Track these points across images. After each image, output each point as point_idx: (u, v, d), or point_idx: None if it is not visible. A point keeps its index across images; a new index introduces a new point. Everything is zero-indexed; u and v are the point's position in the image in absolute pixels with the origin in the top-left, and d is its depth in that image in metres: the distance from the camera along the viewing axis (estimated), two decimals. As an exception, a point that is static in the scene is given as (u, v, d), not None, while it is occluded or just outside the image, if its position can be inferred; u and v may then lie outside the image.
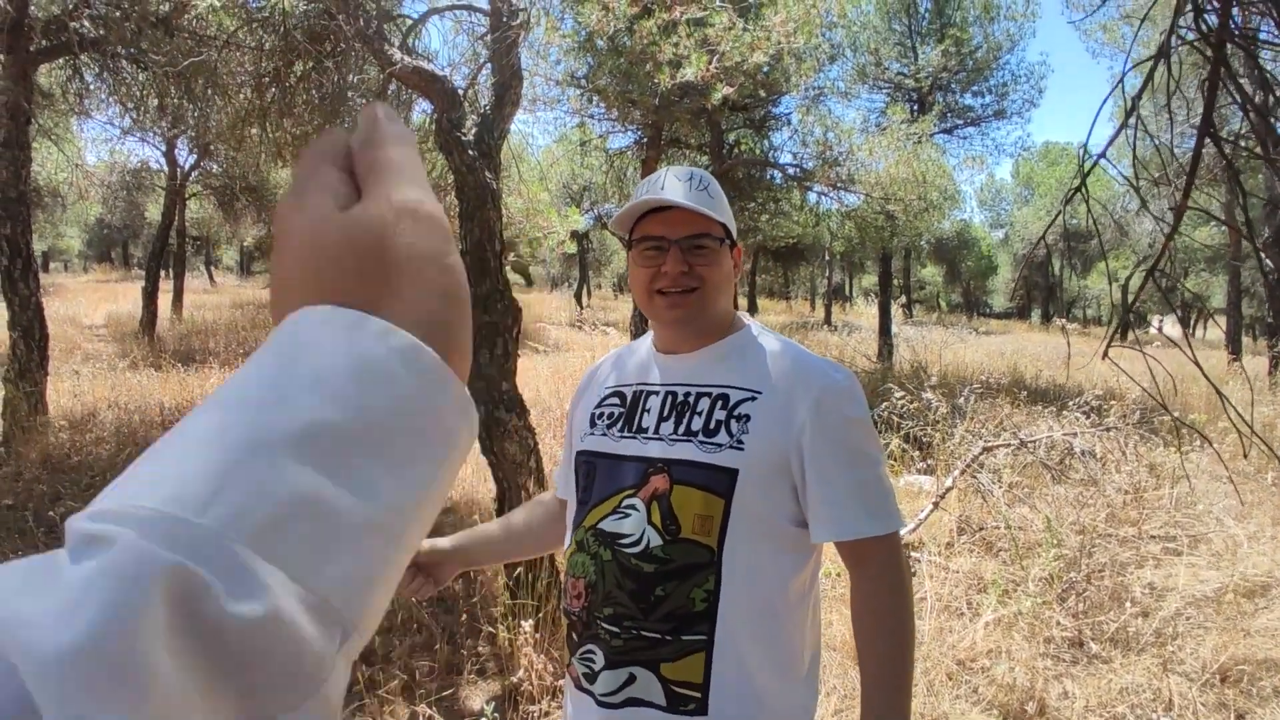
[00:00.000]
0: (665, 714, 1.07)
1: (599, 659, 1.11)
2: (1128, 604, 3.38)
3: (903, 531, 3.82)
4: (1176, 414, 1.84)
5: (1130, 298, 1.41)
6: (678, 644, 1.07)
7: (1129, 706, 2.76)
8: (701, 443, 1.10)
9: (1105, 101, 1.29)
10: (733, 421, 1.10)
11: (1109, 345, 1.36)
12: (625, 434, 1.18)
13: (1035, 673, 2.89)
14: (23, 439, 5.33)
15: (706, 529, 1.07)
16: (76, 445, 5.44)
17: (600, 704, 1.10)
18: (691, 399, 1.14)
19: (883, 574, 1.09)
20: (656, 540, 1.08)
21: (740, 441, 1.08)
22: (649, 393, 1.19)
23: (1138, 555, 3.88)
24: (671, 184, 1.14)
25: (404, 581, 1.23)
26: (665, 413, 1.16)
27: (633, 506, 1.12)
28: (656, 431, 1.15)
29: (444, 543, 1.29)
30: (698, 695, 1.06)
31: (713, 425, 1.11)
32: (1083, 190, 1.52)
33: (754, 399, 1.11)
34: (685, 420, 1.13)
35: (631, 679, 1.09)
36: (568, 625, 1.18)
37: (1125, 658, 3.07)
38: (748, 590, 1.07)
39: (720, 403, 1.12)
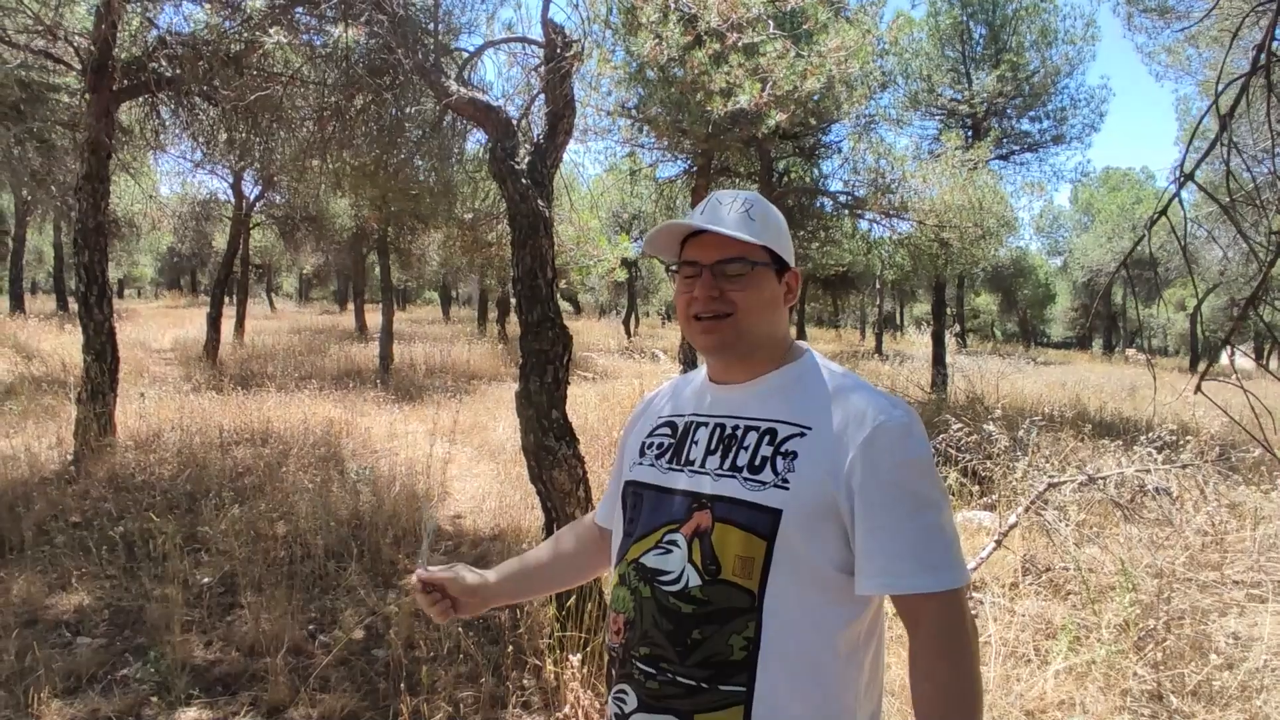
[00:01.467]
0: None
1: (630, 700, 1.07)
2: (1211, 655, 3.15)
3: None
4: (1271, 450, 1.70)
5: (1226, 332, 1.32)
6: (715, 694, 1.01)
7: (1218, 769, 2.55)
8: (746, 479, 1.05)
9: (1200, 121, 1.21)
10: (779, 458, 1.04)
11: (1203, 378, 1.26)
12: (673, 466, 1.14)
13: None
14: (92, 458, 5.53)
15: (747, 571, 1.01)
16: (141, 465, 5.62)
17: None
18: (740, 432, 1.09)
19: (942, 639, 0.96)
20: (695, 580, 1.04)
21: (785, 480, 1.02)
22: (699, 424, 1.16)
23: (1220, 602, 3.62)
24: (714, 208, 1.12)
25: (427, 601, 1.26)
26: (713, 445, 1.11)
27: (674, 542, 1.07)
28: (703, 465, 1.10)
29: (472, 580, 1.29)
30: None
31: (758, 461, 1.05)
32: (1168, 214, 1.43)
33: (803, 435, 1.04)
34: (732, 454, 1.08)
35: None
36: (608, 661, 1.15)
37: (1209, 713, 2.85)
38: (792, 641, 1.00)
39: (768, 438, 1.06)
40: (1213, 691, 3.00)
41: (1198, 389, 1.24)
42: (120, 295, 34.20)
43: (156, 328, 17.25)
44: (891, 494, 0.98)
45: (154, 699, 2.89)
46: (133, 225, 15.97)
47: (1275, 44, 1.33)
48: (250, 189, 13.03)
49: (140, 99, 6.19)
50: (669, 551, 1.07)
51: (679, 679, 1.02)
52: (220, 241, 18.73)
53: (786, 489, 1.01)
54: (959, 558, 0.99)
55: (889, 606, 1.10)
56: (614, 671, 1.12)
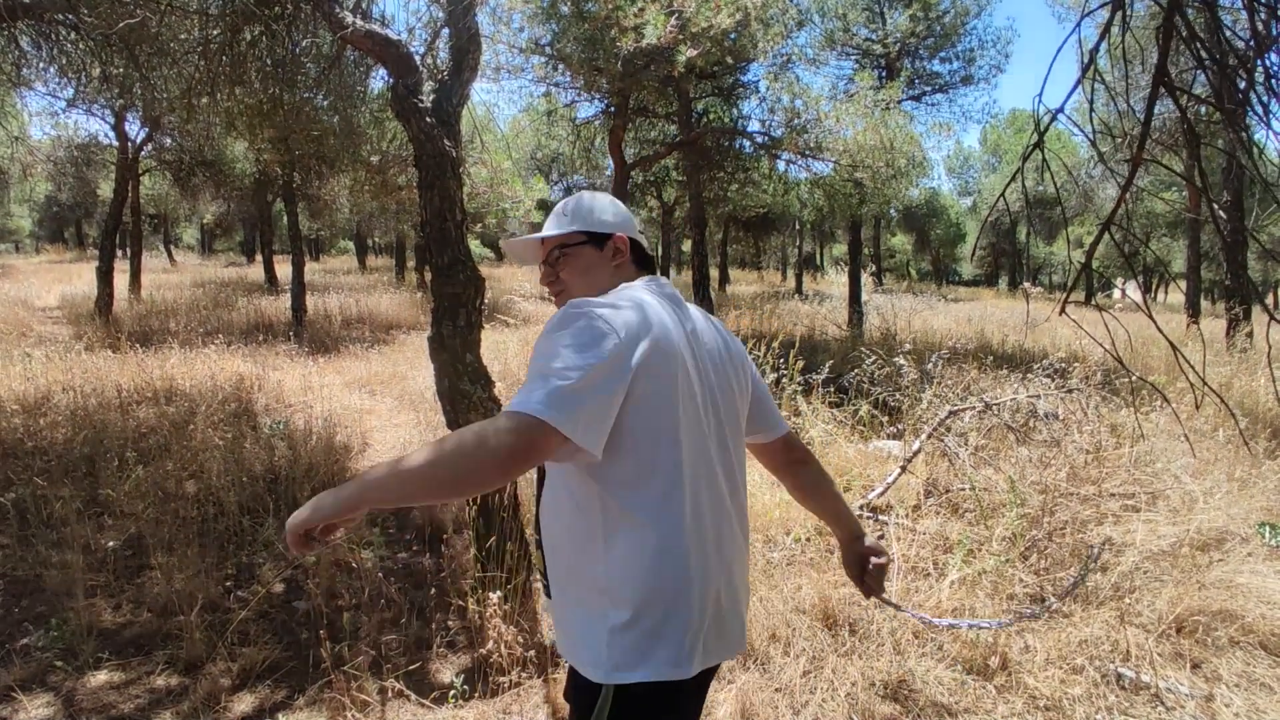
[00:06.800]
0: (547, 597, 1.47)
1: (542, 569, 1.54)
2: (1087, 560, 3.46)
3: (871, 496, 3.82)
4: (1136, 374, 1.86)
5: (1089, 252, 1.41)
6: (538, 543, 1.46)
7: (1088, 658, 2.83)
8: None
9: (1058, 53, 1.28)
10: None
11: (1066, 301, 1.36)
12: None
13: (998, 629, 2.95)
14: (-27, 424, 5.16)
15: None
16: (30, 430, 5.28)
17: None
18: None
19: (483, 432, 1.15)
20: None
21: None
22: None
23: (1098, 513, 3.96)
24: (550, 217, 1.57)
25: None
26: None
27: None
28: None
29: None
30: (546, 581, 1.43)
31: None
32: (1041, 148, 1.50)
33: None
34: None
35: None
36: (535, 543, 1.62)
37: (1085, 611, 3.14)
38: (550, 498, 1.38)
39: None
40: (1088, 592, 3.30)
41: (1061, 311, 1.35)
42: (-4, 250, 31.43)
43: (39, 284, 16.01)
44: (532, 356, 1.28)
45: (59, 664, 2.80)
46: (1, 172, 14.58)
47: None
48: (135, 131, 12.08)
49: (-3, 29, 5.57)
50: None
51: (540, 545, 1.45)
52: (106, 189, 17.33)
53: None
54: (539, 392, 1.15)
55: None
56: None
